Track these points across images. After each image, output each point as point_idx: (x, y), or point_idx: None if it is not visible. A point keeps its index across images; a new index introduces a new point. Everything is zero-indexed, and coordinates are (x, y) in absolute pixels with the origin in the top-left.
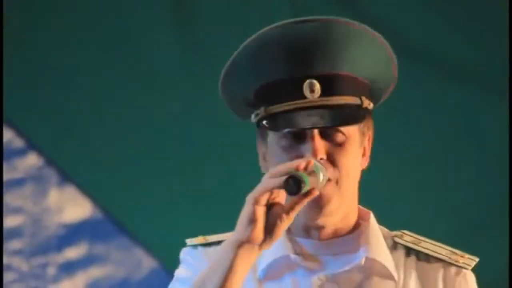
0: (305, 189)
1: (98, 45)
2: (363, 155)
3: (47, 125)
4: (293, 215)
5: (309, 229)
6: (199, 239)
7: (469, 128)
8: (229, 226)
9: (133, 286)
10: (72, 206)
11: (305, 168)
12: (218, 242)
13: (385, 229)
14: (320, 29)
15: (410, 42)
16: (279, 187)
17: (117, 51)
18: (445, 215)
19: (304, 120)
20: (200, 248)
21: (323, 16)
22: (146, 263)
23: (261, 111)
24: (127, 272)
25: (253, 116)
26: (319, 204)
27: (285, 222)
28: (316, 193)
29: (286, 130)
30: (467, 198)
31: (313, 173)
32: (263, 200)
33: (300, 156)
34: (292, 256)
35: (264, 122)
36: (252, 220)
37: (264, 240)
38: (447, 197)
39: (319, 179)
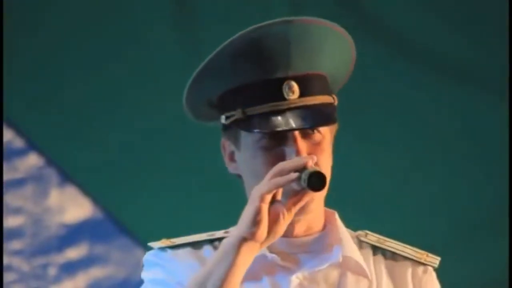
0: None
1: (99, 45)
2: None
3: (47, 125)
4: (294, 211)
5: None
6: (165, 242)
7: (469, 128)
8: (230, 225)
9: (134, 286)
10: (73, 206)
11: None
12: (186, 244)
13: (349, 229)
14: (294, 30)
15: (410, 42)
16: (291, 182)
17: (118, 51)
18: (445, 215)
19: (288, 121)
20: (169, 250)
21: (295, 17)
22: None
23: (237, 113)
24: (127, 272)
25: (223, 117)
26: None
27: (287, 219)
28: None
29: (272, 131)
30: (467, 198)
31: None
32: (269, 197)
33: (282, 155)
34: (269, 255)
35: (241, 123)
36: (259, 218)
37: (267, 238)
38: (447, 197)
39: None
